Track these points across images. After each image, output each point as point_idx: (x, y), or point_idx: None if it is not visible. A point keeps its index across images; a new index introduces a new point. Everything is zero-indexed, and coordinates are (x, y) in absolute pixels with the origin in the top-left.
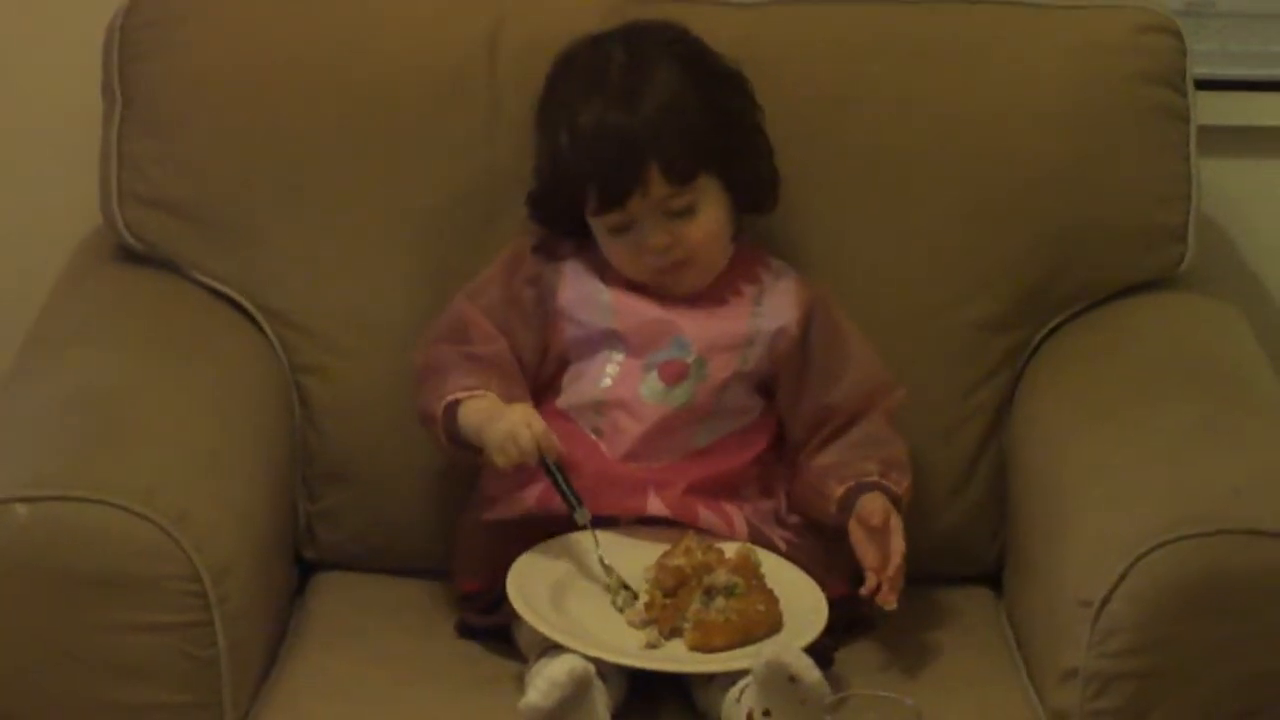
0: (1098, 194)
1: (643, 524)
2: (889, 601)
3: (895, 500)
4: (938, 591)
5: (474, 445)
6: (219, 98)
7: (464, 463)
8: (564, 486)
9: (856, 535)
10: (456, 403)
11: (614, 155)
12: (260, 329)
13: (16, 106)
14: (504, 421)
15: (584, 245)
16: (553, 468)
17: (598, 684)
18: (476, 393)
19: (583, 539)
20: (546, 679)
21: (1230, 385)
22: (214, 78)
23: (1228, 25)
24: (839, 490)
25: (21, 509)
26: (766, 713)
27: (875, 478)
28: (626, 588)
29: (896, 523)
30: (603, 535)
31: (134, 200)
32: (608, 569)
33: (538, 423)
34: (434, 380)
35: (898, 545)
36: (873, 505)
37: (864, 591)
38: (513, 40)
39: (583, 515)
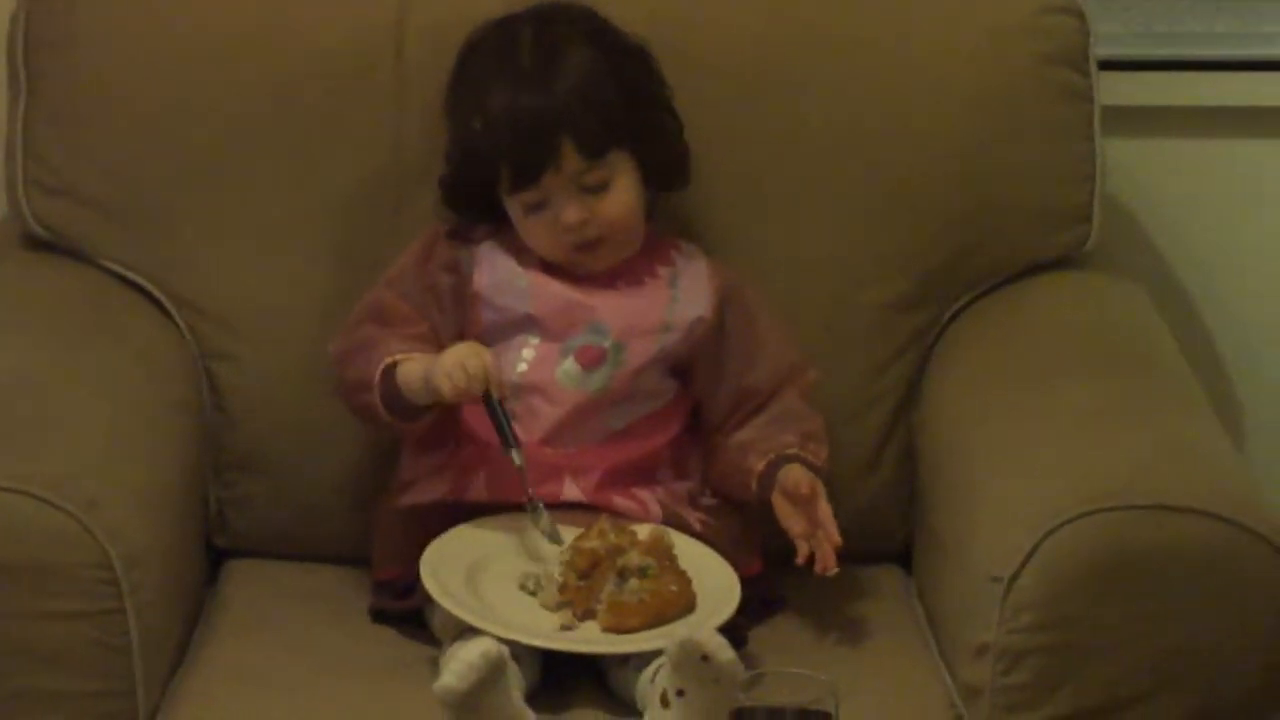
0: (1002, 175)
1: (558, 508)
2: (830, 567)
3: (815, 471)
4: (849, 571)
5: (411, 406)
6: (124, 85)
7: (397, 431)
8: (504, 423)
9: (782, 507)
10: (394, 365)
11: (527, 132)
12: (169, 316)
13: None
14: (454, 352)
15: (498, 229)
16: (495, 403)
17: (511, 666)
18: (410, 356)
19: (498, 522)
20: (461, 661)
21: (1135, 362)
22: (119, 65)
23: (1132, 6)
24: (760, 464)
25: None
26: (680, 692)
27: (795, 450)
28: (552, 532)
29: (821, 488)
30: (517, 518)
31: (39, 189)
32: (534, 506)
33: (488, 354)
34: (364, 354)
35: (826, 510)
36: (797, 475)
37: (799, 560)
38: (419, 24)
39: (518, 455)
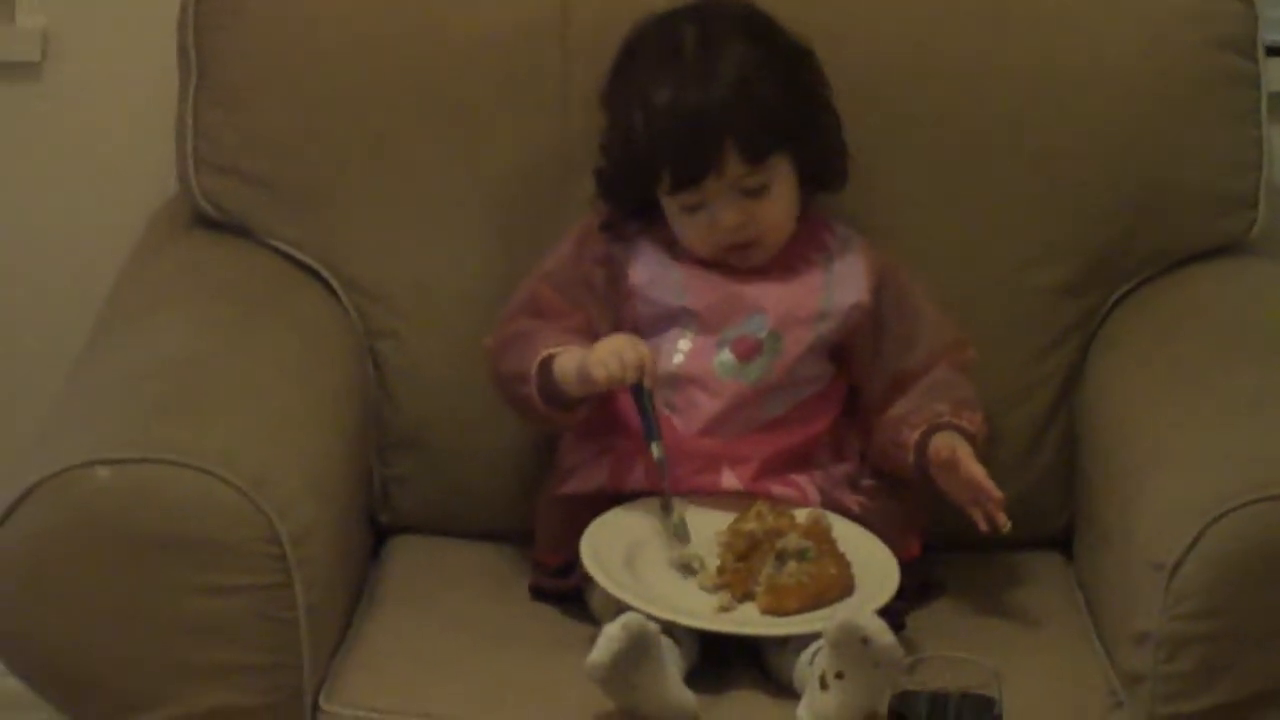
0: (1167, 160)
1: (716, 496)
2: (1001, 523)
3: (970, 437)
4: (1008, 556)
5: (568, 399)
6: (292, 67)
7: (553, 424)
8: (650, 414)
9: (940, 478)
10: (551, 357)
11: (690, 135)
12: (335, 295)
13: (95, 77)
14: (610, 341)
15: (652, 223)
16: (645, 394)
17: (668, 644)
18: (567, 348)
19: (658, 504)
20: (604, 635)
21: None
22: (287, 47)
23: None
24: (914, 435)
25: (103, 471)
26: (839, 675)
27: (947, 418)
28: (687, 541)
29: (966, 450)
30: (677, 501)
31: (209, 168)
32: (667, 502)
33: (644, 345)
34: (519, 345)
35: (977, 471)
36: (939, 442)
37: (983, 526)
38: (583, 14)
39: (658, 449)
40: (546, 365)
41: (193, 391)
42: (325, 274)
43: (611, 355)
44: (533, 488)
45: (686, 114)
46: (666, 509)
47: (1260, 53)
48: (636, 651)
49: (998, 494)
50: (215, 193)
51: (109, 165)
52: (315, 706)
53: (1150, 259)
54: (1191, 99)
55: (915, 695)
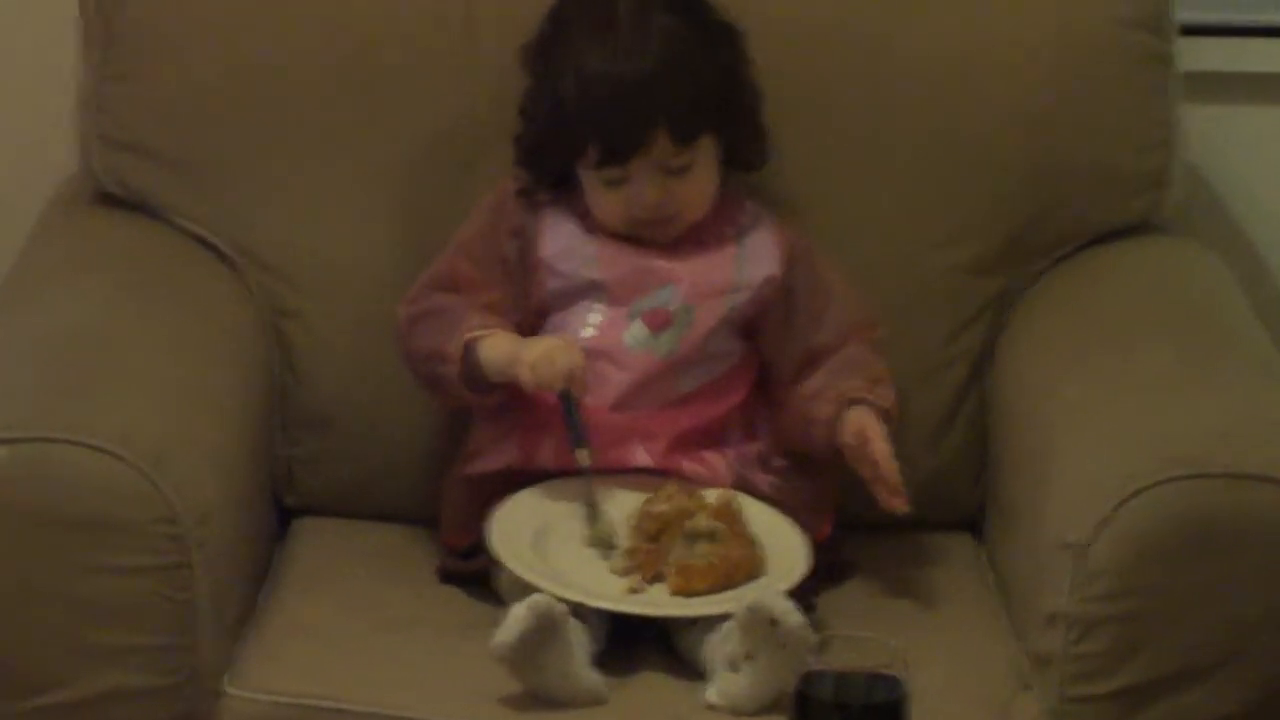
0: (1079, 138)
1: (626, 474)
2: (896, 505)
3: (883, 413)
4: (920, 537)
5: (489, 383)
6: (194, 41)
7: (466, 404)
8: (575, 421)
9: (849, 454)
10: (475, 340)
11: (623, 112)
12: (238, 273)
13: None
14: (542, 343)
15: (563, 192)
16: (571, 400)
17: (575, 625)
18: (493, 331)
19: (567, 486)
20: (510, 616)
21: (1212, 328)
22: (191, 19)
23: None
24: (826, 411)
25: (0, 451)
26: (749, 656)
27: (861, 393)
28: (610, 546)
29: (875, 430)
30: (586, 482)
31: (110, 145)
32: (595, 514)
33: (577, 352)
34: (437, 322)
35: (882, 450)
36: (851, 418)
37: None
38: None
39: (583, 456)
40: (471, 349)
41: (91, 370)
42: (229, 252)
43: (543, 359)
44: (441, 469)
45: (620, 90)
46: (592, 518)
47: (1173, 31)
48: (543, 633)
49: (894, 478)
50: (117, 169)
51: (6, 143)
52: (218, 689)
53: (1062, 238)
54: (1103, 77)
55: (821, 675)
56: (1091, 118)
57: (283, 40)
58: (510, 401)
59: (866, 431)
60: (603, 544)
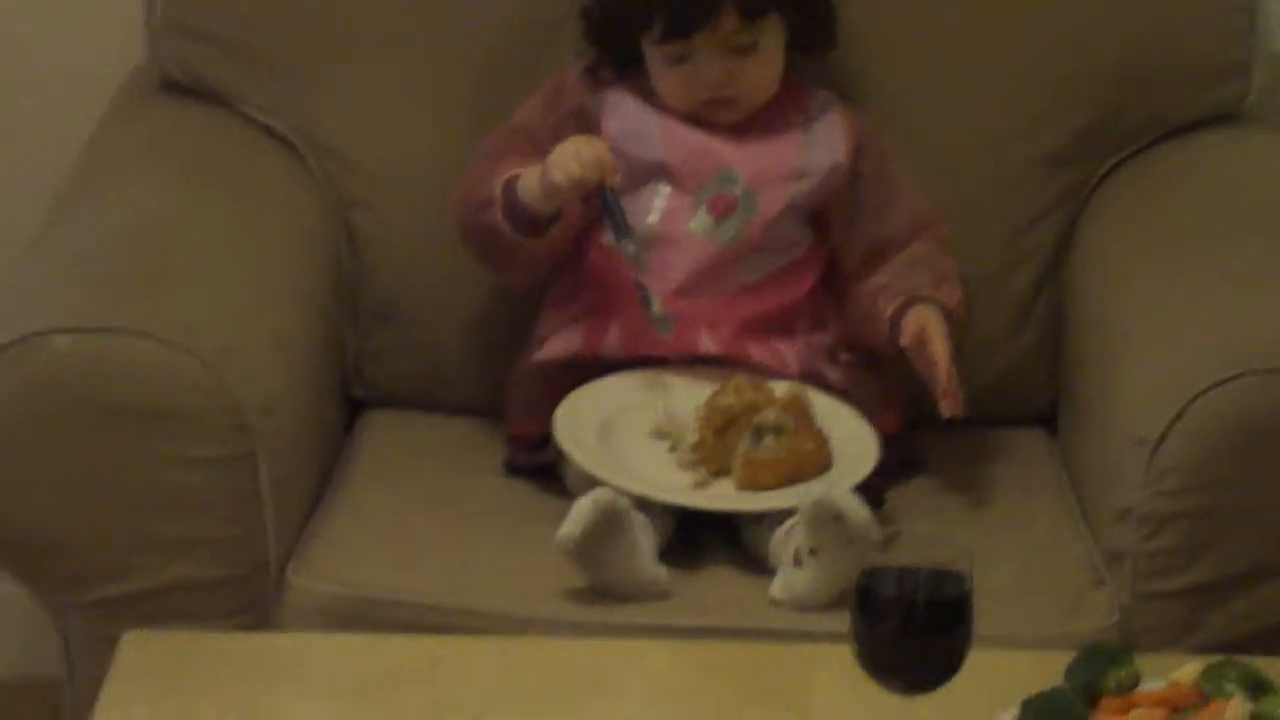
0: (1155, 27)
1: (694, 362)
2: (948, 409)
3: (948, 312)
4: (992, 433)
5: (535, 218)
6: None
7: (522, 256)
8: (616, 211)
9: (910, 353)
10: (515, 177)
11: None
12: (306, 163)
13: None
14: (566, 142)
15: (627, 72)
16: (608, 192)
17: (640, 519)
18: (529, 168)
19: (635, 378)
20: (574, 510)
21: None
22: None
23: None
24: (890, 308)
25: (62, 340)
26: (814, 551)
27: (927, 291)
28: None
29: (936, 330)
30: (654, 374)
31: (178, 32)
32: (644, 297)
33: (600, 143)
34: (483, 180)
35: (941, 350)
36: (912, 317)
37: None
38: None
39: (631, 245)
40: (510, 186)
41: (157, 261)
42: (296, 141)
43: (569, 156)
44: (508, 360)
45: None
46: (642, 296)
47: None
48: (607, 526)
49: (948, 381)
50: (184, 57)
51: (78, 34)
52: (282, 580)
53: (1139, 130)
54: None
55: (884, 570)
56: (1170, 4)
57: None
58: (574, 289)
59: (926, 331)
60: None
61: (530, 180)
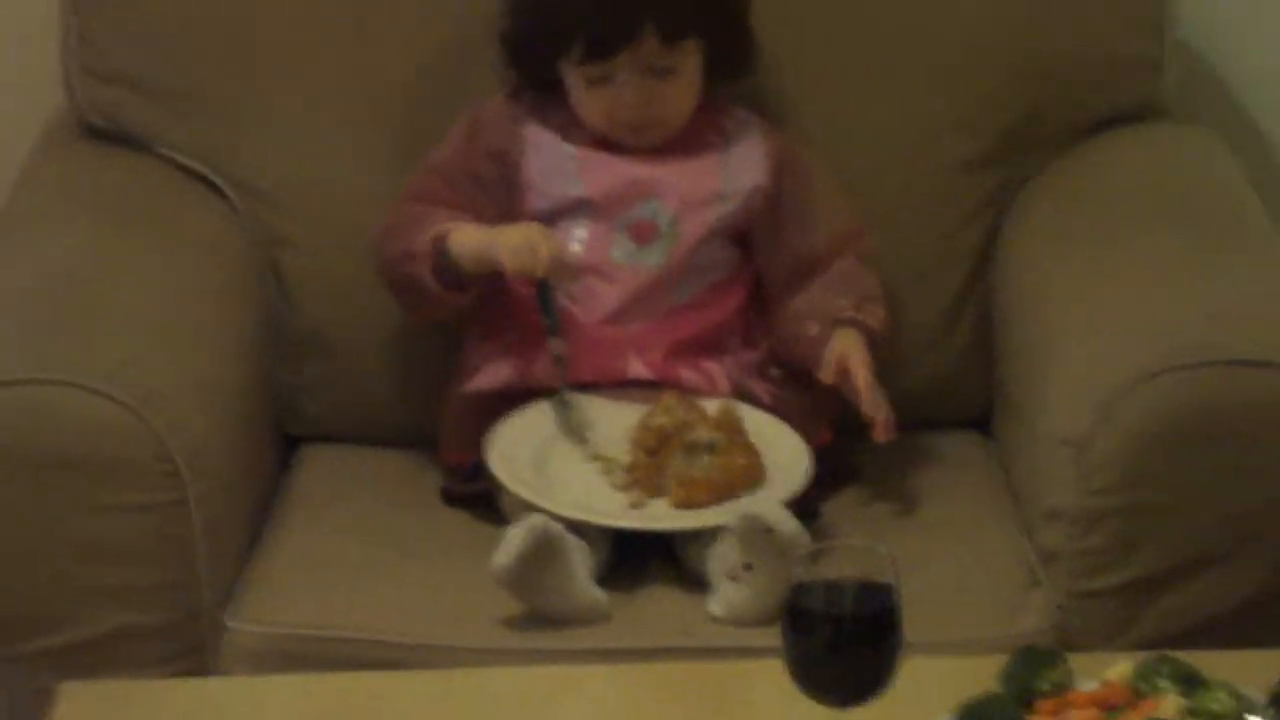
0: (1070, 25)
1: (624, 387)
2: (879, 435)
3: (871, 333)
4: (927, 437)
5: (463, 278)
6: None
7: (440, 308)
8: (552, 310)
9: (837, 383)
10: (446, 233)
11: (611, 5)
12: (228, 202)
13: None
14: (521, 228)
15: (542, 103)
16: (550, 290)
17: (575, 543)
18: (461, 225)
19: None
20: (507, 538)
21: (1214, 214)
22: None
23: None
24: (814, 330)
25: None
26: (748, 566)
27: (849, 313)
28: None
29: (857, 358)
30: (583, 398)
31: (93, 76)
32: (563, 401)
33: (556, 239)
34: (409, 228)
35: (864, 379)
36: (835, 346)
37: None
38: None
39: (557, 345)
40: (441, 241)
41: (79, 309)
42: (218, 181)
43: (525, 244)
44: (441, 390)
45: None
46: (564, 405)
47: None
48: (541, 553)
49: (873, 410)
50: (101, 101)
51: None
52: (219, 623)
53: (1060, 129)
54: None
55: (811, 586)
56: (1077, 3)
57: None
58: (503, 321)
59: (848, 361)
60: (579, 437)
61: (467, 243)
